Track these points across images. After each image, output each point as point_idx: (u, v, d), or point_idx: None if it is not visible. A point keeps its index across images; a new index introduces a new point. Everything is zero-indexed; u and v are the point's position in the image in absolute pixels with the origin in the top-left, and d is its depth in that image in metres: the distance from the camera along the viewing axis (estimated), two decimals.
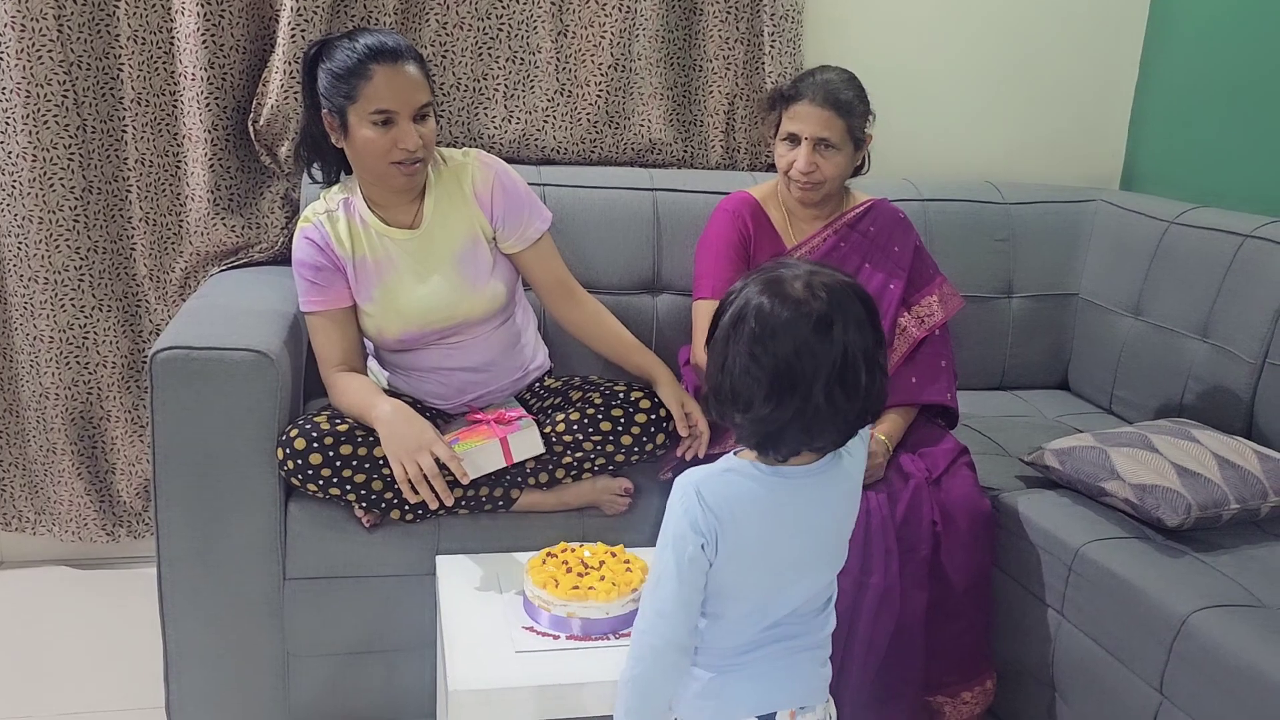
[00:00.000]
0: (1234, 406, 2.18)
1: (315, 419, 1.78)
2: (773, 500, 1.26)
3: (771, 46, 2.51)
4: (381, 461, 1.77)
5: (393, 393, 1.93)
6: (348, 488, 1.77)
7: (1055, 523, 1.91)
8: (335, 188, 1.90)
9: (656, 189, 2.43)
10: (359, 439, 1.77)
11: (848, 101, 1.97)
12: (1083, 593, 1.80)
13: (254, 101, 2.31)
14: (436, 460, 1.70)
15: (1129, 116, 2.88)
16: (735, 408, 1.22)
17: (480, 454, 1.79)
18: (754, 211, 2.11)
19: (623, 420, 1.87)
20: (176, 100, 2.29)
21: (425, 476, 1.70)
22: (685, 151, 2.59)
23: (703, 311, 2.04)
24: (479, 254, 1.91)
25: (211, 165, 2.29)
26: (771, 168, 2.64)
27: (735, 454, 1.31)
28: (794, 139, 2.00)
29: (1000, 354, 2.67)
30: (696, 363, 2.05)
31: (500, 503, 1.89)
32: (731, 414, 1.23)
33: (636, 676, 1.29)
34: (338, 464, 1.75)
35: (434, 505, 1.74)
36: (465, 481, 1.74)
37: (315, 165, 1.92)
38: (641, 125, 2.53)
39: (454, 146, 2.26)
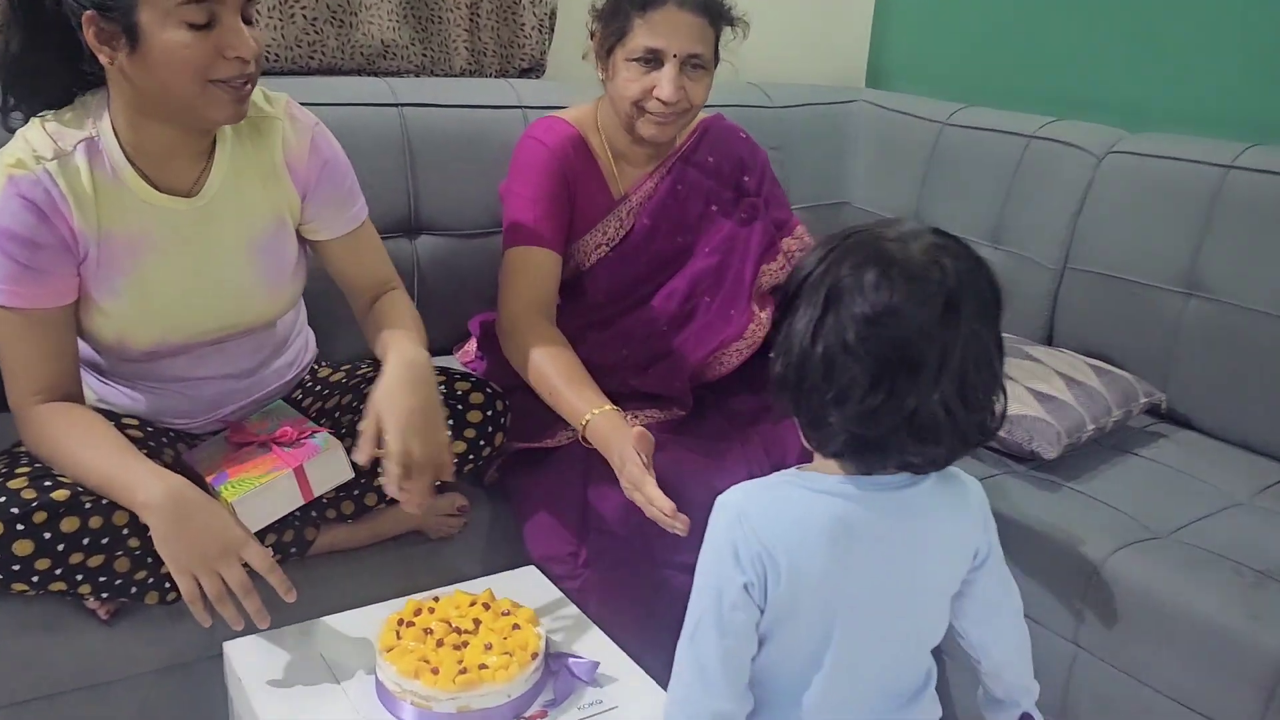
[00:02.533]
0: (1034, 314, 2.13)
1: (10, 486, 1.18)
2: (852, 525, 0.98)
3: None
4: (126, 531, 1.22)
5: (104, 411, 1.34)
6: (78, 578, 1.21)
7: None
8: (65, 116, 1.25)
9: (402, 104, 1.94)
10: (87, 507, 1.20)
11: (719, 4, 1.57)
12: None
13: None
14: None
15: (872, 8, 2.74)
16: (824, 402, 0.93)
17: (268, 495, 1.30)
18: (579, 150, 1.65)
19: (451, 421, 1.43)
20: None
21: (229, 591, 1.17)
22: (425, 56, 2.10)
23: (531, 263, 1.60)
24: (283, 242, 1.38)
25: None
26: (527, 73, 2.23)
27: (798, 467, 1.01)
28: (651, 57, 1.54)
29: None
30: (511, 324, 1.59)
31: (292, 549, 1.41)
32: (819, 410, 0.94)
33: None
34: (60, 548, 1.18)
35: (238, 626, 1.19)
36: (290, 600, 1.20)
37: (17, 103, 1.26)
38: (371, 23, 2.00)
39: None
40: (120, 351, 1.34)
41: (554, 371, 1.49)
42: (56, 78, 1.24)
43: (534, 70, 2.23)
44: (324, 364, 1.62)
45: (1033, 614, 1.56)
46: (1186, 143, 1.96)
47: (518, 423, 1.55)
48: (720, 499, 1.00)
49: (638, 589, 1.48)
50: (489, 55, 2.16)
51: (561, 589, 1.41)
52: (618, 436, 1.38)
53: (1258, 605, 1.38)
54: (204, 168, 1.31)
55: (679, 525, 1.27)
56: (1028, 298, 2.14)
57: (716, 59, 1.61)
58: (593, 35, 1.61)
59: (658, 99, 1.54)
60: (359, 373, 1.55)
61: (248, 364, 1.45)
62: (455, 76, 2.14)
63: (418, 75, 2.10)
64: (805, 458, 1.07)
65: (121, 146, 1.25)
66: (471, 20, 2.12)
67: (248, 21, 1.20)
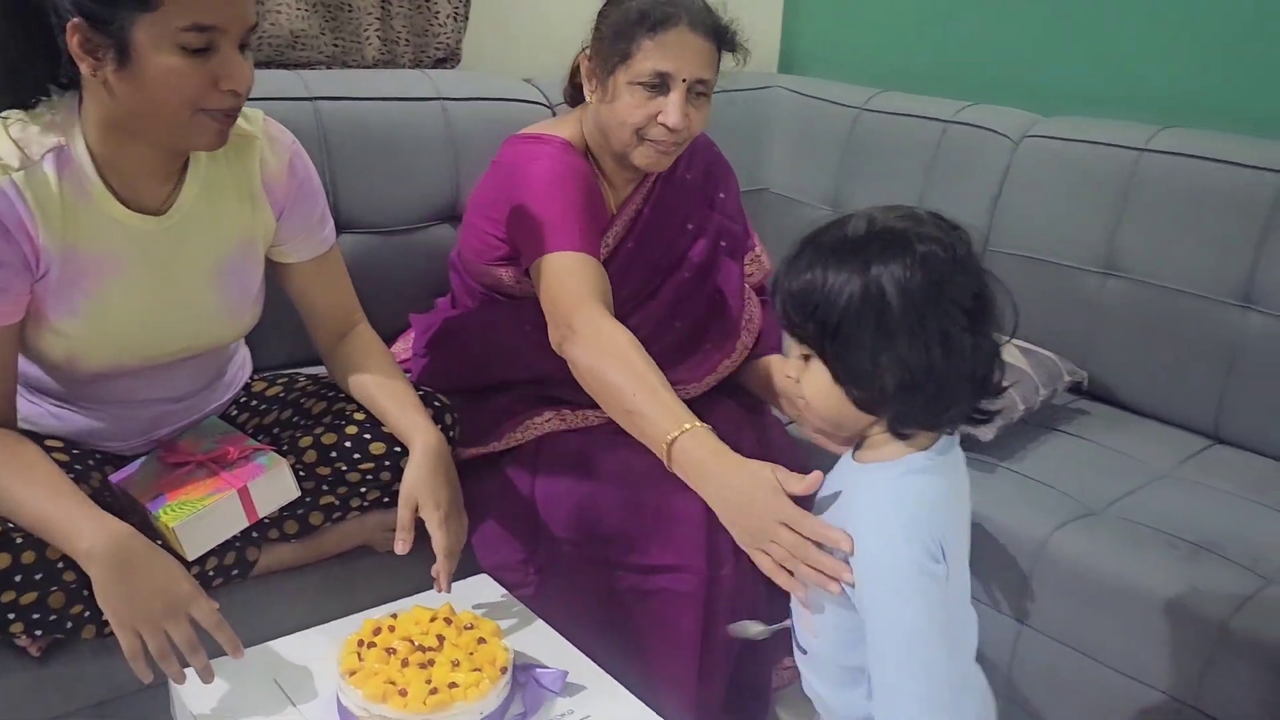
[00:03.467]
0: None
1: None
2: (952, 492, 1.02)
3: None
4: (60, 564, 1.14)
5: (26, 432, 1.24)
6: (10, 616, 1.13)
7: None
8: (32, 119, 1.15)
9: (316, 98, 1.86)
10: (18, 542, 1.12)
11: (726, 26, 1.49)
12: None
13: None
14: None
15: None
16: (959, 386, 0.96)
17: (211, 518, 1.23)
18: (583, 169, 1.52)
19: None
20: None
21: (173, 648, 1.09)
22: (335, 46, 2.02)
23: (581, 264, 1.41)
24: (249, 265, 1.31)
25: None
26: (441, 63, 2.17)
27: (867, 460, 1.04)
28: (658, 82, 1.43)
29: None
30: (582, 329, 1.33)
31: (234, 571, 1.34)
32: (954, 393, 0.97)
33: None
34: None
35: (181, 683, 1.11)
36: (238, 658, 1.13)
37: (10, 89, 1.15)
38: (279, 11, 1.91)
39: None
40: (68, 371, 1.26)
41: (639, 371, 1.27)
42: (35, 75, 1.14)
43: (449, 60, 2.17)
44: (256, 376, 1.54)
45: (977, 595, 1.60)
46: (1101, 126, 2.01)
47: (463, 429, 1.50)
48: (867, 504, 1.00)
49: (592, 594, 1.46)
50: (402, 45, 2.09)
51: (516, 597, 1.38)
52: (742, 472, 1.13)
53: (1193, 576, 1.44)
54: (175, 186, 1.24)
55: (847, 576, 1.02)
56: None
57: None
58: (588, 54, 1.51)
59: (663, 125, 1.44)
60: (297, 385, 1.50)
61: (191, 386, 1.38)
62: (368, 68, 2.07)
63: (329, 66, 2.02)
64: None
65: (93, 159, 1.16)
66: (383, 9, 2.04)
67: (244, 48, 1.13)
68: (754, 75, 2.57)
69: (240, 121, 1.27)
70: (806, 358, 1.01)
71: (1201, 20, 2.00)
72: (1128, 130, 1.96)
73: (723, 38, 1.48)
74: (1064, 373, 1.91)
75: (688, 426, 1.18)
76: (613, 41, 1.44)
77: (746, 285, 1.68)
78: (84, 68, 1.09)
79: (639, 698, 1.20)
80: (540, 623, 1.33)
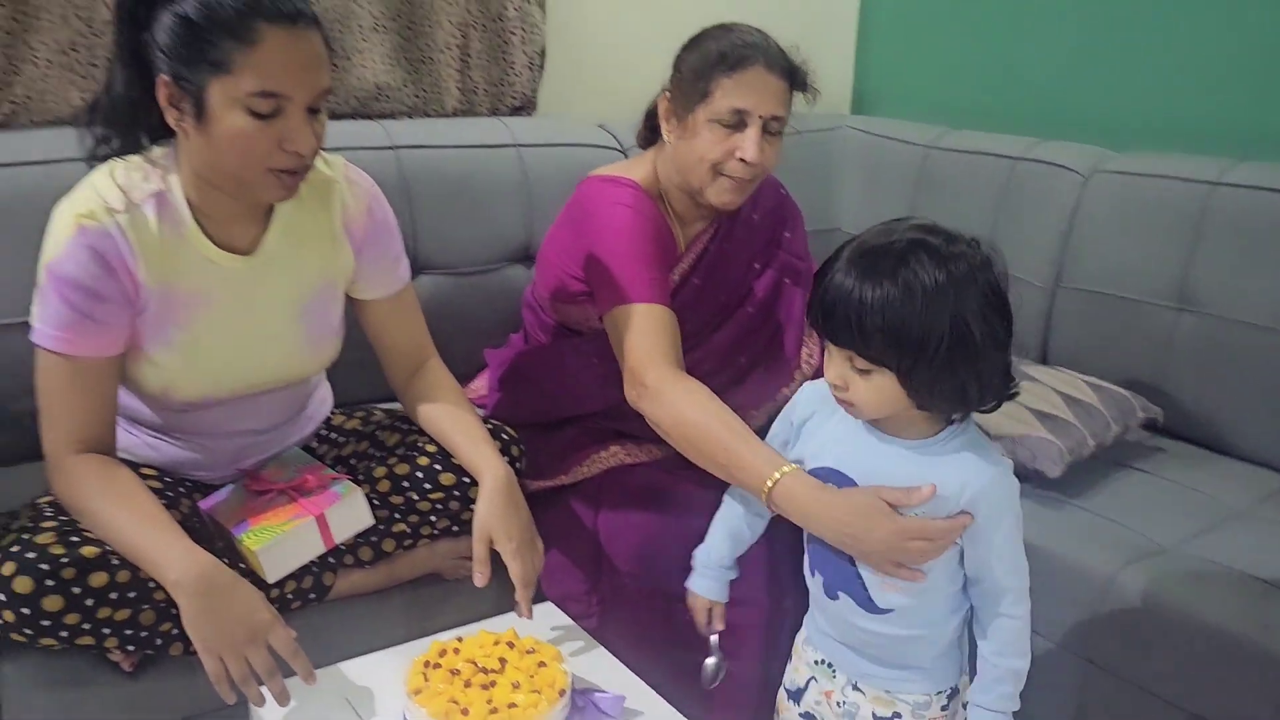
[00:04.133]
0: (1028, 333, 2.16)
1: (39, 542, 1.18)
2: None
3: None
4: (153, 584, 1.22)
5: (125, 461, 1.32)
6: (105, 631, 1.21)
7: None
8: (134, 166, 1.25)
9: (398, 147, 1.96)
10: (114, 562, 1.20)
11: (799, 67, 1.55)
12: None
13: None
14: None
15: (855, 36, 2.79)
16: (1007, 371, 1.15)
17: (291, 542, 1.30)
18: (653, 211, 1.58)
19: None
20: None
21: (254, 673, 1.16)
22: (417, 97, 2.12)
23: (654, 318, 1.47)
24: (329, 303, 1.40)
25: None
26: (518, 110, 2.26)
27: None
28: (735, 120, 1.49)
29: None
30: (656, 386, 1.41)
31: (311, 594, 1.41)
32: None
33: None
34: (89, 603, 1.18)
35: (260, 705, 1.18)
36: (310, 684, 1.19)
37: (108, 139, 1.25)
38: (364, 66, 2.02)
39: None
40: (163, 401, 1.34)
41: (724, 425, 1.34)
42: (149, 122, 1.23)
43: (525, 108, 2.26)
44: (336, 410, 1.62)
45: (1043, 630, 1.58)
46: (1172, 160, 1.99)
47: (530, 462, 1.56)
48: (989, 469, 1.16)
49: (653, 625, 1.49)
50: (480, 94, 2.19)
51: (580, 626, 1.42)
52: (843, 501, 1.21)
53: (1266, 616, 1.41)
54: (262, 228, 1.33)
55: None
56: (1021, 317, 2.09)
57: None
58: (666, 93, 1.57)
59: (740, 160, 1.50)
60: (374, 419, 1.57)
61: (275, 419, 1.46)
62: (448, 116, 2.16)
63: (411, 116, 2.12)
64: None
65: (188, 202, 1.26)
66: (462, 60, 2.14)
67: (316, 111, 1.21)
68: (824, 116, 2.61)
69: (322, 167, 1.36)
70: (865, 371, 1.12)
71: (1276, 54, 1.98)
72: (1201, 164, 1.94)
73: (795, 78, 1.54)
74: (1137, 409, 1.89)
75: (786, 469, 1.24)
76: (692, 81, 1.51)
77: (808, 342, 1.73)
78: (169, 119, 1.18)
79: None
80: (602, 650, 1.36)
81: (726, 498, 1.37)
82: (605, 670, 1.32)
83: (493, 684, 1.20)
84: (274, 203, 1.29)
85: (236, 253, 1.31)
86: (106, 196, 1.22)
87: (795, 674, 1.36)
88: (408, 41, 2.08)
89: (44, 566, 1.16)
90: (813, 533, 1.24)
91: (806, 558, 1.30)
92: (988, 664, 1.21)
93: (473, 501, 1.39)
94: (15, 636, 1.18)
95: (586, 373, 1.64)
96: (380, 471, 1.44)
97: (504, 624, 1.33)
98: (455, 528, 1.48)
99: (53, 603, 1.16)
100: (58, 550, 1.18)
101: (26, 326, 1.25)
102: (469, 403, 1.49)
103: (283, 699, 1.18)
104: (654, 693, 1.28)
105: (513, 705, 1.16)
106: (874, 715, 1.27)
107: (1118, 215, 2.04)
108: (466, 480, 1.43)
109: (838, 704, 1.29)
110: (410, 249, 1.93)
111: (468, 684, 1.20)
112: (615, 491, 1.57)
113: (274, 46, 1.14)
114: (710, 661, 1.40)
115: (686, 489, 1.51)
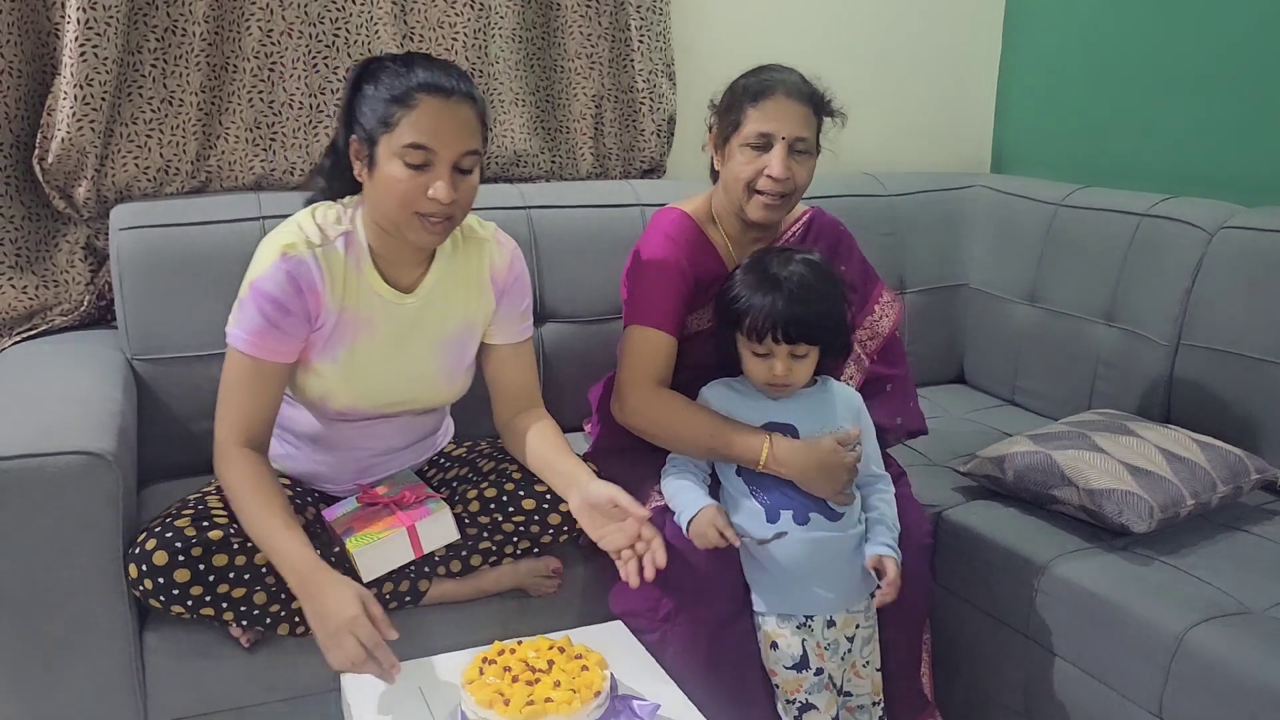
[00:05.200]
0: (1150, 391, 2.12)
1: (177, 524, 1.43)
2: None
3: (640, 41, 2.29)
4: (265, 570, 1.44)
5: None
6: (224, 605, 1.44)
7: (1011, 537, 1.78)
8: (332, 211, 1.54)
9: (530, 207, 2.17)
10: (235, 547, 1.44)
11: (820, 95, 1.73)
12: (1053, 613, 1.67)
13: (38, 135, 1.90)
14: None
15: (994, 97, 2.82)
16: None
17: (384, 548, 1.50)
18: (693, 233, 1.79)
19: (549, 496, 1.61)
20: None
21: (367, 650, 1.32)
22: (553, 162, 2.34)
23: (650, 343, 1.72)
24: (467, 343, 1.63)
25: None
26: (648, 174, 2.44)
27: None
28: (762, 142, 1.69)
29: None
30: (634, 405, 1.70)
31: (407, 598, 1.60)
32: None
33: None
34: (211, 579, 1.42)
35: (396, 673, 1.35)
36: (392, 637, 1.34)
37: (329, 182, 1.57)
38: (505, 135, 2.26)
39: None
40: (320, 408, 1.59)
41: (705, 420, 1.63)
42: (348, 175, 1.51)
43: (654, 171, 2.43)
44: (451, 442, 1.84)
45: (1114, 684, 1.57)
46: None
47: (623, 487, 1.69)
48: (853, 396, 1.70)
49: (713, 644, 1.58)
50: (613, 159, 2.38)
51: (642, 642, 1.53)
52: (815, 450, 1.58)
53: None
54: (424, 271, 1.57)
55: None
56: (1143, 375, 2.14)
57: (818, 147, 1.76)
58: (710, 129, 1.78)
59: (769, 176, 1.68)
60: (477, 449, 1.77)
61: (401, 443, 1.68)
62: (581, 180, 2.36)
63: (548, 180, 2.34)
64: None
65: (368, 243, 1.52)
66: (596, 128, 2.34)
67: (466, 172, 1.45)
68: (956, 175, 2.67)
69: (477, 227, 1.63)
70: (801, 356, 1.59)
71: None
72: None
73: (818, 104, 1.72)
74: (1251, 470, 1.83)
75: (770, 436, 1.59)
76: (725, 114, 1.73)
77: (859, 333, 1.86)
78: (356, 171, 1.47)
79: None
80: (652, 663, 1.47)
81: (672, 475, 1.65)
82: (651, 681, 1.42)
83: (537, 681, 1.33)
84: (420, 245, 1.51)
85: (401, 290, 1.55)
86: (307, 231, 1.49)
87: (789, 649, 1.58)
88: (545, 113, 2.31)
89: (178, 544, 1.40)
90: (792, 479, 1.59)
91: (763, 506, 1.60)
92: (881, 526, 1.64)
93: (551, 527, 1.58)
94: (152, 602, 1.43)
95: None
96: (472, 494, 1.63)
97: (573, 637, 1.46)
98: (536, 549, 1.65)
99: (181, 575, 1.40)
100: (190, 532, 1.42)
101: (208, 360, 1.54)
102: (565, 440, 1.64)
103: (393, 666, 1.33)
104: (692, 706, 1.38)
105: (549, 700, 1.30)
106: (845, 639, 1.61)
107: (1243, 271, 1.99)
108: (545, 506, 1.61)
109: (825, 648, 1.59)
110: (538, 299, 2.15)
111: (515, 679, 1.33)
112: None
113: (427, 110, 1.40)
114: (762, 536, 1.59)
115: None
